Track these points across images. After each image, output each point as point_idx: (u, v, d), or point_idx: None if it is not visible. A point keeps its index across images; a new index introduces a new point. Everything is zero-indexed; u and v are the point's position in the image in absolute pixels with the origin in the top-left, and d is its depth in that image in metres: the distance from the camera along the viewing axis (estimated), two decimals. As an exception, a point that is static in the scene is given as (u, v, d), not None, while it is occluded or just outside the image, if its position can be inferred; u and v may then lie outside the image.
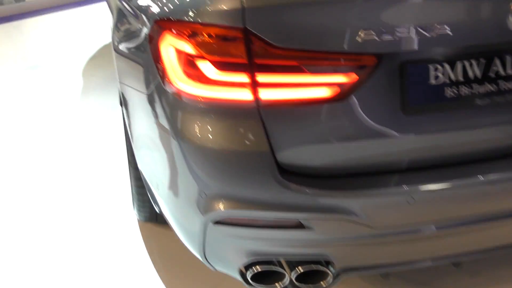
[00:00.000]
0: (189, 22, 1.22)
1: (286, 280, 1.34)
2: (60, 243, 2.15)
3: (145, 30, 1.44)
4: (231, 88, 1.21)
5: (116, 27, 1.89)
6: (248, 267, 1.33)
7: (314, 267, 1.32)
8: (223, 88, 1.21)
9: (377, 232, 1.27)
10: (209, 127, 1.25)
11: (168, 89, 1.29)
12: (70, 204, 2.42)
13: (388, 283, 1.72)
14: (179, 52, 1.26)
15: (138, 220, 2.20)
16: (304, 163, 1.26)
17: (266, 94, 1.20)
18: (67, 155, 2.91)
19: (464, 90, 1.23)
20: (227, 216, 1.28)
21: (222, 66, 1.20)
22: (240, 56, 1.17)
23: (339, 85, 1.19)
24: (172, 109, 1.30)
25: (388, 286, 1.74)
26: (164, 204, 1.50)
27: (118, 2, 1.87)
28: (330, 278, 1.33)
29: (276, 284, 1.36)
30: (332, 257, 1.32)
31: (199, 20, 1.20)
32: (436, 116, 1.26)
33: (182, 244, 1.49)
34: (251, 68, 1.18)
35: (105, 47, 5.21)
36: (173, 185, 1.39)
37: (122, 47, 1.74)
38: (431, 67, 1.22)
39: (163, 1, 1.36)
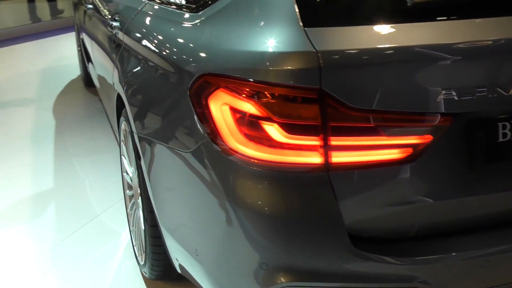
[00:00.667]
0: (253, 81, 1.13)
1: None
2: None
3: (184, 84, 1.33)
4: (300, 151, 1.12)
5: (131, 75, 1.77)
6: None
7: None
8: (290, 151, 1.12)
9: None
10: (272, 192, 1.15)
11: (221, 150, 1.19)
12: (64, 257, 2.22)
13: None
14: (237, 112, 1.16)
15: (145, 278, 2.04)
16: (373, 227, 1.18)
17: (337, 157, 1.12)
18: (49, 205, 2.70)
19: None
20: (289, 290, 1.18)
21: (292, 129, 1.11)
22: (314, 119, 1.09)
23: (412, 146, 1.13)
24: (226, 171, 1.20)
25: None
26: (206, 273, 1.37)
27: (139, 51, 1.74)
28: None
29: None
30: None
31: (266, 79, 1.10)
32: (506, 174, 1.22)
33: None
34: (324, 130, 1.09)
35: (73, 82, 5.01)
36: (224, 254, 1.27)
37: (142, 98, 1.63)
38: (500, 125, 1.18)
39: (214, 54, 1.26)
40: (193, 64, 1.31)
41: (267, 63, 1.11)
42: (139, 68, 1.71)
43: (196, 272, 1.45)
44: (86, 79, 4.60)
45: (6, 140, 3.54)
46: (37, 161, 3.18)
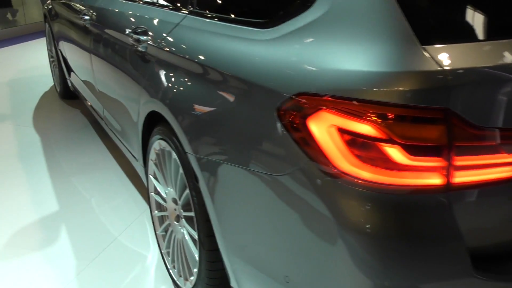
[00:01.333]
0: (369, 101, 1.09)
1: None
2: None
3: (267, 104, 1.28)
4: (421, 173, 1.09)
5: (180, 92, 1.68)
6: None
7: None
8: (410, 173, 1.09)
9: None
10: (388, 215, 1.12)
11: (327, 173, 1.14)
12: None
13: None
14: (349, 134, 1.12)
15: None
16: (492, 245, 1.18)
17: (458, 177, 1.10)
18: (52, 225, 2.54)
19: None
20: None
21: (414, 150, 1.08)
22: (439, 139, 1.07)
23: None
24: (333, 194, 1.15)
25: None
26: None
27: (189, 67, 1.65)
28: None
29: None
30: None
31: (385, 100, 1.07)
32: None
33: None
34: (448, 151, 1.07)
35: (46, 94, 4.76)
36: (328, 280, 1.22)
37: (201, 117, 1.55)
38: None
39: (310, 73, 1.21)
40: (281, 84, 1.25)
41: (386, 83, 1.08)
42: (191, 85, 1.63)
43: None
44: (64, 92, 4.38)
45: (-10, 160, 3.31)
46: (33, 182, 2.98)
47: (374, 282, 1.14)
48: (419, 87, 1.05)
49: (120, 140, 2.70)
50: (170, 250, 2.04)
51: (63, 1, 3.69)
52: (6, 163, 3.25)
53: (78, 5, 3.20)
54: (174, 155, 1.79)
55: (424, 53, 1.07)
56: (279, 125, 1.25)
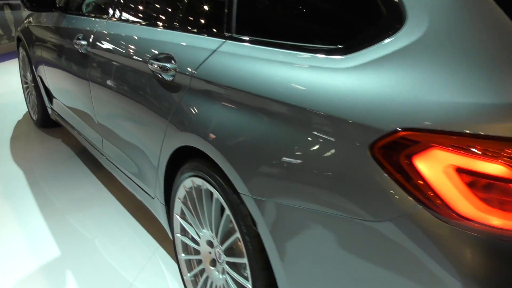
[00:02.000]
0: (494, 138, 0.97)
1: None
2: None
3: (353, 140, 1.14)
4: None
5: (228, 128, 1.51)
6: None
7: None
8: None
9: None
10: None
11: (443, 219, 1.01)
12: None
13: None
14: (470, 174, 0.99)
15: None
16: None
17: None
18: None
19: None
20: None
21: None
22: None
23: None
24: (452, 244, 1.02)
25: None
26: None
27: (241, 99, 1.48)
28: None
29: None
30: None
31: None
32: None
33: None
34: None
35: (20, 123, 4.45)
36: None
37: (260, 154, 1.38)
38: None
39: (415, 106, 1.07)
40: (374, 118, 1.11)
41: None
42: (246, 119, 1.45)
43: None
44: (42, 120, 4.10)
45: (-30, 199, 3.00)
46: (25, 224, 2.71)
47: None
48: None
49: (126, 175, 2.48)
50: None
51: (45, 24, 3.44)
52: (-10, 202, 2.95)
53: (68, 28, 2.98)
54: (217, 195, 1.62)
55: None
56: (373, 164, 1.10)
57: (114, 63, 2.30)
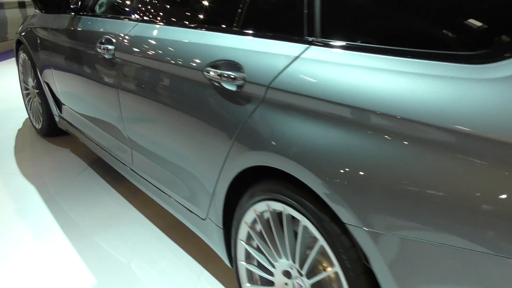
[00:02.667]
0: None
1: None
2: None
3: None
4: None
5: (319, 145, 1.30)
6: None
7: None
8: None
9: None
10: None
11: None
12: None
13: None
14: None
15: None
16: None
17: None
18: None
19: None
20: None
21: None
22: None
23: None
24: None
25: None
26: None
27: (344, 114, 1.26)
28: None
29: None
30: None
31: None
32: None
33: None
34: None
35: (21, 132, 4.17)
36: None
37: (376, 180, 1.18)
38: None
39: None
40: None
41: None
42: (346, 136, 1.25)
43: None
44: (48, 128, 3.83)
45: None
46: (49, 248, 2.46)
47: None
48: None
49: (163, 192, 2.25)
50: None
51: (55, 27, 3.17)
52: (6, 228, 2.69)
53: (86, 31, 2.72)
54: (306, 222, 1.41)
55: None
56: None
57: (153, 70, 2.07)
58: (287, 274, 1.59)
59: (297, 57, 1.44)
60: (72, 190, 3.05)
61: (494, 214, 0.99)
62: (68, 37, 2.95)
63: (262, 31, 1.63)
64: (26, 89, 4.08)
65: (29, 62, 3.76)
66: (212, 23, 1.92)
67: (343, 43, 1.36)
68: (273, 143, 1.46)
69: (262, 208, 1.59)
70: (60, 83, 3.24)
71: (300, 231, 1.46)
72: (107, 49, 2.37)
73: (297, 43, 1.47)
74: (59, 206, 2.86)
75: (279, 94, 1.45)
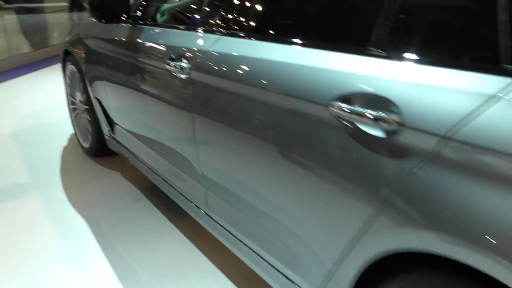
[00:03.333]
0: None
1: None
2: None
3: None
4: None
5: None
6: None
7: None
8: None
9: None
10: None
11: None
12: None
13: None
14: None
15: None
16: None
17: None
18: None
19: None
20: None
21: None
22: None
23: None
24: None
25: None
26: None
27: None
28: None
29: None
30: None
31: None
32: None
33: None
34: None
35: (67, 150, 3.80)
36: None
37: None
38: None
39: None
40: None
41: None
42: None
43: None
44: (97, 148, 3.45)
45: (23, 258, 2.33)
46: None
47: None
48: None
49: (249, 248, 1.80)
50: None
51: (110, 37, 2.78)
52: (53, 275, 2.28)
53: (152, 44, 2.30)
54: None
55: None
56: None
57: (248, 99, 1.61)
58: None
59: (493, 97, 0.97)
60: (127, 226, 2.64)
61: None
62: (127, 50, 2.55)
63: (426, 54, 1.16)
64: (73, 103, 3.72)
65: (78, 75, 3.39)
66: (339, 41, 1.45)
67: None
68: (451, 222, 0.98)
69: None
70: (115, 100, 2.85)
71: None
72: (181, 68, 1.94)
73: (491, 74, 1.00)
74: (113, 246, 2.44)
75: (464, 149, 0.98)
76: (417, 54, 1.17)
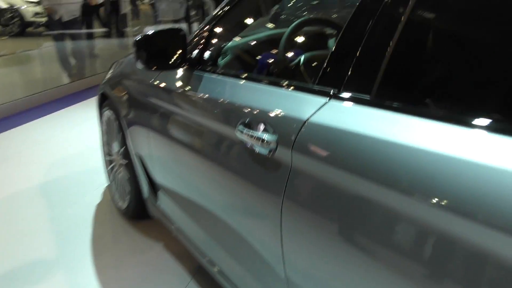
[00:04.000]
0: None
1: None
2: None
3: None
4: None
5: None
6: None
7: None
8: None
9: None
10: None
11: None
12: None
13: None
14: None
15: None
16: None
17: None
18: None
19: None
20: None
21: None
22: None
23: None
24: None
25: None
26: None
27: None
28: None
29: None
30: None
31: None
32: None
33: None
34: None
35: (101, 209, 3.24)
36: None
37: None
38: None
39: None
40: None
41: None
42: None
43: None
44: (135, 210, 2.88)
45: None
46: None
47: None
48: None
49: None
50: None
51: (157, 83, 2.22)
52: None
53: (215, 99, 1.71)
54: None
55: None
56: None
57: (377, 203, 0.99)
58: None
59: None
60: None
61: None
62: (181, 103, 1.98)
63: None
64: (109, 154, 3.18)
65: (116, 123, 2.85)
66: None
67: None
68: None
69: None
70: (161, 162, 2.28)
71: None
72: (261, 140, 1.33)
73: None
74: None
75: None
76: None
